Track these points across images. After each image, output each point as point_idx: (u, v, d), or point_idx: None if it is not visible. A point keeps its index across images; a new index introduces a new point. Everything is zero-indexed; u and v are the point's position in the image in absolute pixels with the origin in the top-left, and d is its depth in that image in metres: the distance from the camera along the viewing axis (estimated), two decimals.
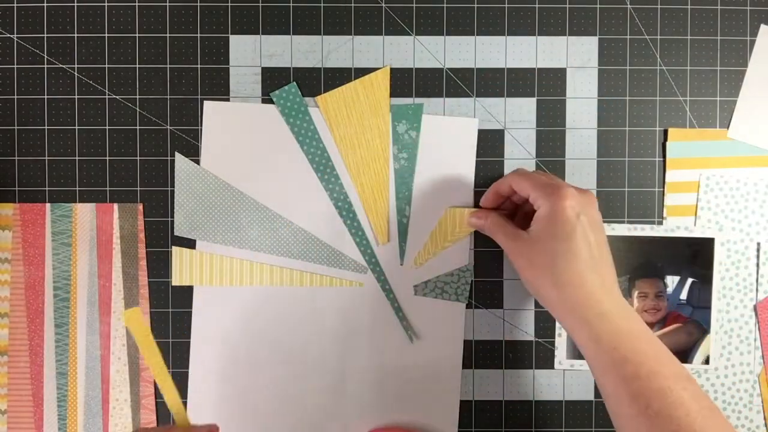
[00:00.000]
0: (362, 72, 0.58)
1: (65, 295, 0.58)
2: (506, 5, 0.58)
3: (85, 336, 0.58)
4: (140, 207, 0.57)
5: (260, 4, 0.58)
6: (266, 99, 0.58)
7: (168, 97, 0.58)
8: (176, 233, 0.58)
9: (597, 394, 0.59)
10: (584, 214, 0.48)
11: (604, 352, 0.45)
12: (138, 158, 0.58)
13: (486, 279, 0.59)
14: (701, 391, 0.44)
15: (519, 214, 0.56)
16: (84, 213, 0.58)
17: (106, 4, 0.58)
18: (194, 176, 0.58)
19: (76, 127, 0.58)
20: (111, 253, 0.58)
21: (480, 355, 0.59)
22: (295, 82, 0.58)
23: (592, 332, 0.46)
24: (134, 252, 0.58)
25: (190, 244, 0.58)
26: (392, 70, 0.58)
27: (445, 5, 0.58)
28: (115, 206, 0.58)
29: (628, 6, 0.58)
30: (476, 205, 0.58)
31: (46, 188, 0.58)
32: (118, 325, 0.58)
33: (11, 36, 0.58)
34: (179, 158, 0.58)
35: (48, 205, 0.58)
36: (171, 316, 0.58)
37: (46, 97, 0.58)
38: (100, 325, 0.58)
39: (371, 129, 0.58)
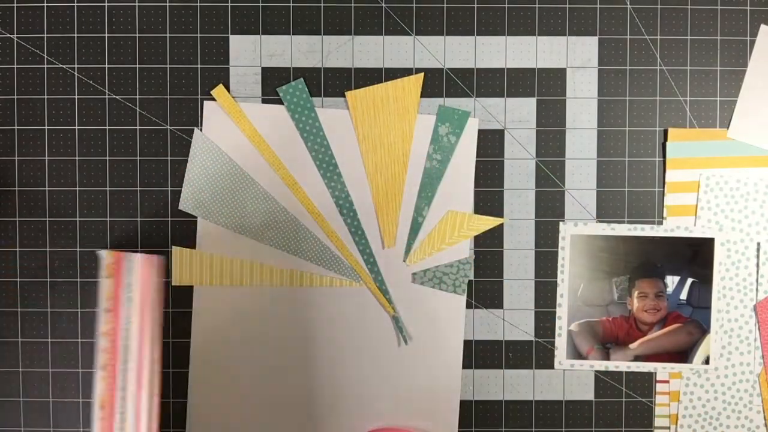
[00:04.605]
0: (362, 72, 0.58)
1: None
2: (506, 5, 0.58)
3: None
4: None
5: (260, 4, 0.58)
6: (266, 99, 0.58)
7: (168, 97, 0.58)
8: (180, 208, 0.58)
9: (597, 394, 0.59)
10: None
11: None
12: (138, 158, 0.58)
13: (486, 279, 0.58)
14: None
15: None
16: None
17: (106, 4, 0.58)
18: (208, 154, 0.57)
19: (76, 127, 0.58)
20: None
21: (480, 355, 0.59)
22: (302, 78, 0.58)
23: None
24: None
25: (190, 244, 0.58)
26: (392, 70, 0.58)
27: (445, 5, 0.58)
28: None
29: (628, 6, 0.58)
30: (476, 206, 0.58)
31: (46, 188, 0.58)
32: None
33: (11, 36, 0.58)
34: (197, 134, 0.58)
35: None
36: (171, 316, 0.58)
37: (46, 97, 0.58)
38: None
39: (395, 132, 0.58)
